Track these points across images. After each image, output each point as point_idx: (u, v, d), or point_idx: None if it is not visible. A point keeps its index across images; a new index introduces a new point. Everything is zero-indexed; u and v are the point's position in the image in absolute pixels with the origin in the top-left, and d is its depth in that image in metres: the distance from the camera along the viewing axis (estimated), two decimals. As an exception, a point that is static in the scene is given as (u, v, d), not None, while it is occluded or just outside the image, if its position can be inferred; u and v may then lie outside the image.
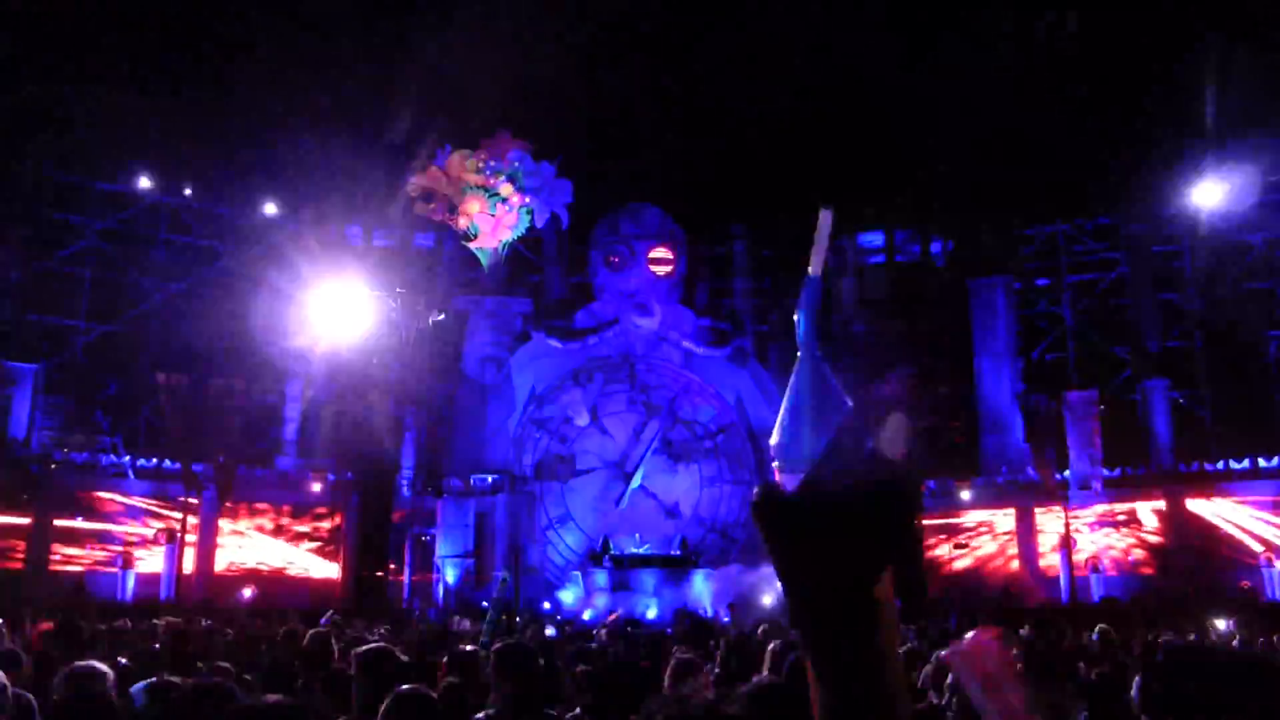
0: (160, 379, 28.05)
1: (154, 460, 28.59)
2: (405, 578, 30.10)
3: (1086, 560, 29.96)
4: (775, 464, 1.55)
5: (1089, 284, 34.99)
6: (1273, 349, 31.94)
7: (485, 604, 27.46)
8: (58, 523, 26.86)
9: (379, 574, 28.61)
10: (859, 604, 1.07)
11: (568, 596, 29.34)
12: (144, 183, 31.16)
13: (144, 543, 27.89)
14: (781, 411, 1.52)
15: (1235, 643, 11.30)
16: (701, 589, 28.52)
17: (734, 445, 32.56)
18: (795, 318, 1.48)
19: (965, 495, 31.67)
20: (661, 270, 33.17)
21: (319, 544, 30.41)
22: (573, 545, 31.00)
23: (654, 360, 32.64)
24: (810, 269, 1.62)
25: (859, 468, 1.10)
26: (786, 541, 1.10)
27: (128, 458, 28.51)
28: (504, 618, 14.53)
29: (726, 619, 22.85)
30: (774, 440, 1.56)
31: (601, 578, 28.80)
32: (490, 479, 30.57)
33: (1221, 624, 15.01)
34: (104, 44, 30.68)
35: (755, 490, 1.15)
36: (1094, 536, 30.48)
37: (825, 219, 1.68)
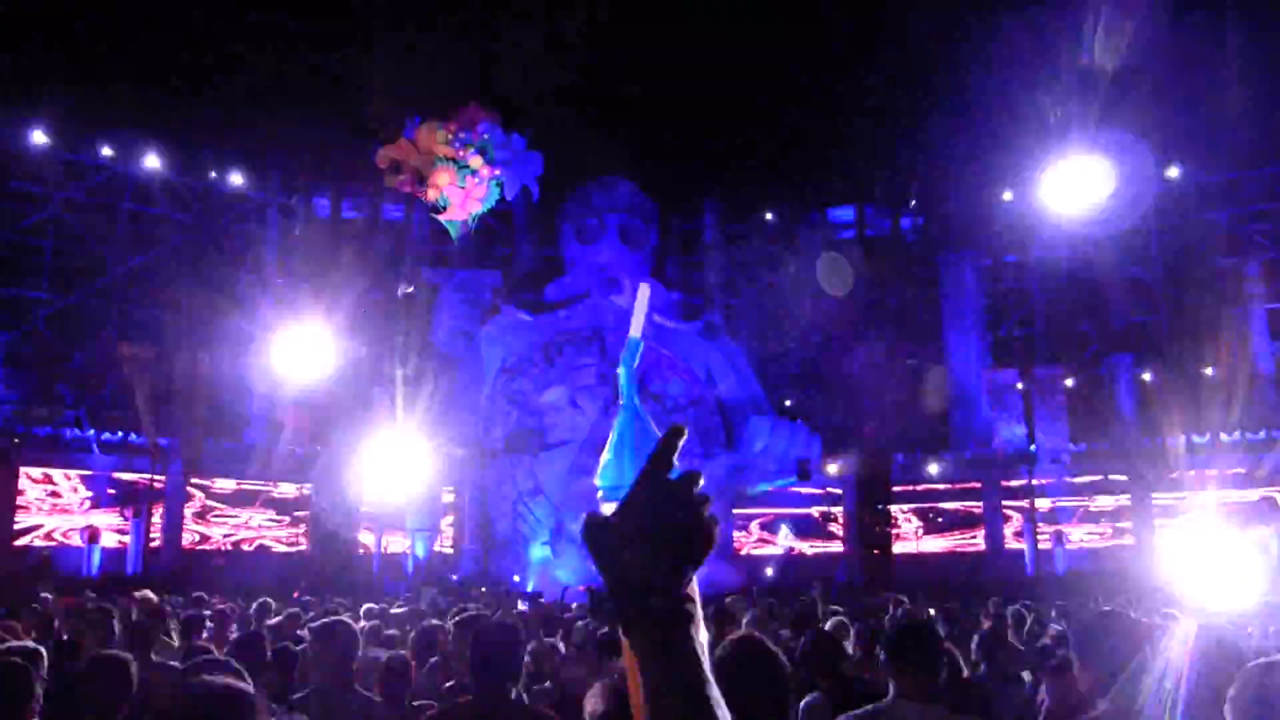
0: (125, 351, 27.67)
1: (119, 434, 28.26)
2: (374, 551, 30.00)
3: (1051, 534, 30.37)
4: (600, 495, 1.69)
5: (1057, 259, 35.24)
6: (1236, 325, 32.34)
7: (455, 578, 27.54)
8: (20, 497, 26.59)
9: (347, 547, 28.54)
10: (670, 607, 1.30)
11: (536, 570, 29.39)
12: (106, 151, 30.61)
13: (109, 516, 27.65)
14: (606, 453, 1.68)
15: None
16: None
17: (704, 419, 32.60)
18: (619, 371, 1.67)
19: (933, 469, 31.98)
20: (632, 244, 33.08)
21: (287, 518, 30.27)
22: (543, 519, 30.99)
23: (625, 334, 32.45)
24: (631, 332, 1.78)
25: (661, 491, 1.34)
26: (607, 558, 1.34)
27: (92, 431, 28.16)
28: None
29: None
30: (598, 480, 1.72)
31: (570, 550, 28.86)
32: (460, 452, 30.48)
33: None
34: (65, 10, 30.11)
35: (581, 519, 1.39)
36: (1059, 510, 30.90)
37: (644, 292, 1.84)
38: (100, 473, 27.68)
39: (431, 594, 19.39)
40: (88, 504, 27.43)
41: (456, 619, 7.56)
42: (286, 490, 30.27)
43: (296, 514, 30.33)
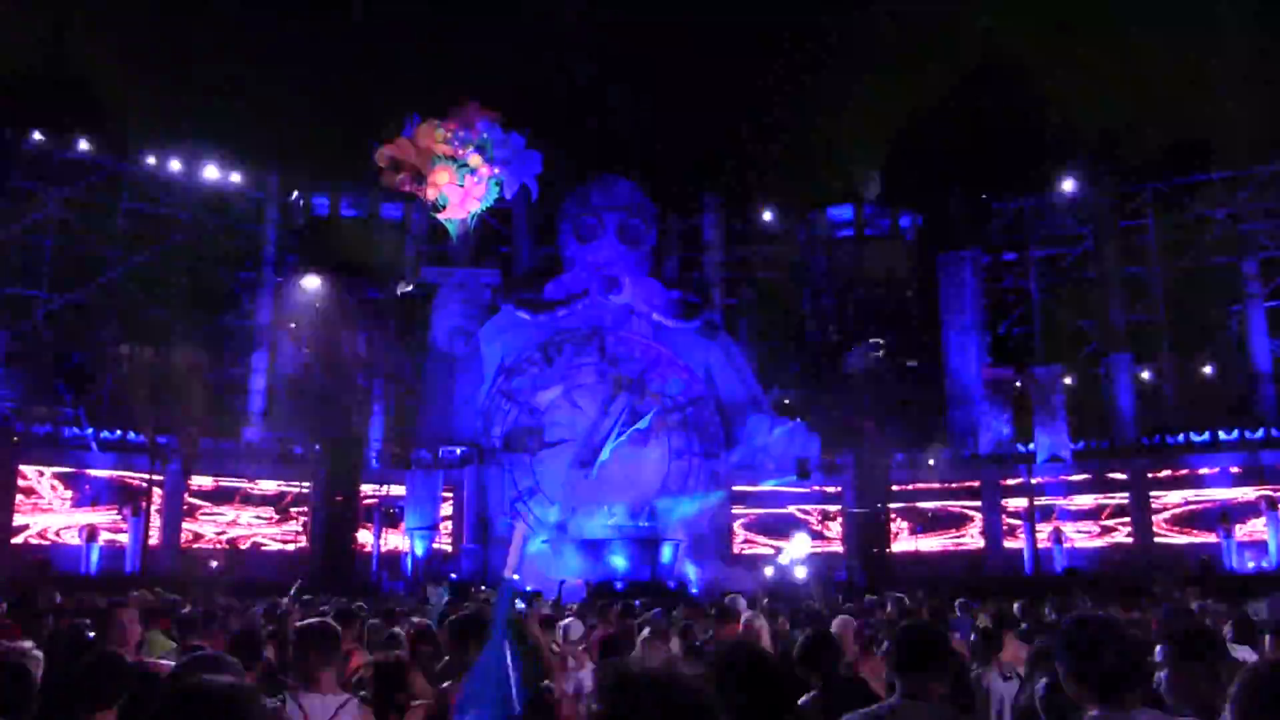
0: (124, 350, 27.61)
1: (118, 432, 28.21)
2: (374, 549, 29.98)
3: (1050, 532, 30.33)
4: None
5: (1055, 258, 35.21)
6: (1235, 323, 32.34)
7: (454, 576, 27.52)
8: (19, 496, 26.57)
9: (347, 546, 28.54)
10: None
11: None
12: (104, 150, 30.54)
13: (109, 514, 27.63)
14: (471, 684, 1.82)
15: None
16: (669, 560, 28.69)
17: (703, 418, 32.60)
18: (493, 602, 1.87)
19: (931, 468, 31.95)
20: (631, 243, 33.05)
21: (286, 516, 30.24)
22: (542, 517, 30.98)
23: (623, 333, 32.56)
24: (507, 570, 1.94)
25: None
26: None
27: (91, 430, 28.12)
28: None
29: (694, 589, 23.05)
30: (458, 698, 1.88)
31: (570, 549, 28.85)
32: (459, 451, 30.46)
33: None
34: (62, 5, 30.10)
35: None
36: (1057, 508, 30.87)
37: (519, 531, 2.00)
38: (99, 471, 27.67)
39: (439, 591, 19.42)
40: (86, 503, 27.41)
41: (453, 618, 7.57)
42: (285, 488, 30.25)
43: (295, 511, 30.31)
